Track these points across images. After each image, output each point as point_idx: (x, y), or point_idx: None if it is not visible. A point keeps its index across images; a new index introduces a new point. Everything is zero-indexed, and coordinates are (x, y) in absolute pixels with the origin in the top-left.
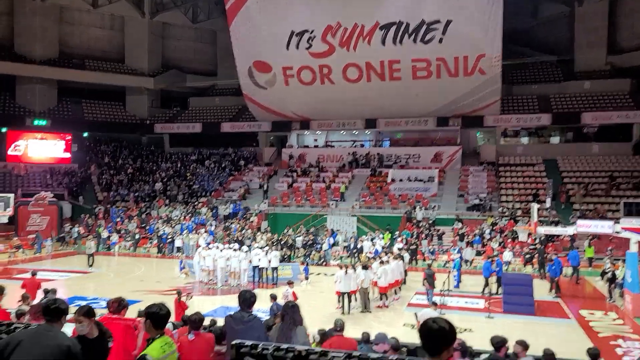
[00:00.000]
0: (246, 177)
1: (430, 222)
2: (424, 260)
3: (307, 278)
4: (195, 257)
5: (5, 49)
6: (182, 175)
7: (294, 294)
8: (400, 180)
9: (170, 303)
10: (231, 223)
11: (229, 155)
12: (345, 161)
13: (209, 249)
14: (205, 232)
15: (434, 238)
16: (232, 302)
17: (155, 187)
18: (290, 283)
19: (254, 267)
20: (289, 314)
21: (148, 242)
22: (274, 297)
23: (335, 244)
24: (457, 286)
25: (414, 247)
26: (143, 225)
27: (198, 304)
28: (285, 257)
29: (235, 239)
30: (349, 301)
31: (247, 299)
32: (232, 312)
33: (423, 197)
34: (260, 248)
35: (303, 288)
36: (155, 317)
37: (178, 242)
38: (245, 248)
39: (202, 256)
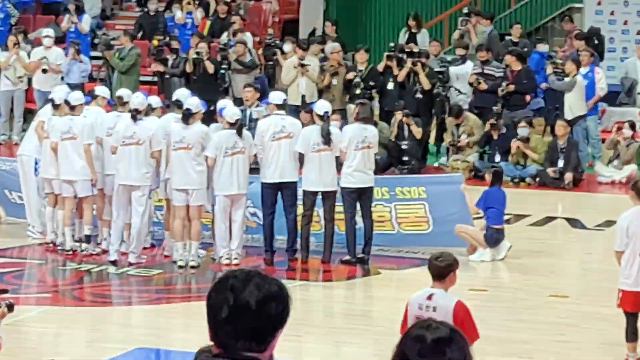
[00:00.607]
0: None
1: None
2: None
3: (497, 232)
4: (25, 144)
5: None
6: None
7: (459, 304)
8: None
9: None
10: (165, 6)
11: None
12: None
13: (74, 112)
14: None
15: None
16: (182, 327)
17: None
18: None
19: (269, 188)
20: None
21: None
22: None
23: None
24: None
25: None
26: None
27: (42, 334)
28: (407, 148)
29: (177, 63)
30: None
31: (247, 308)
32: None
33: None
34: (297, 108)
35: (485, 274)
36: None
37: None
38: (232, 110)
39: (48, 145)
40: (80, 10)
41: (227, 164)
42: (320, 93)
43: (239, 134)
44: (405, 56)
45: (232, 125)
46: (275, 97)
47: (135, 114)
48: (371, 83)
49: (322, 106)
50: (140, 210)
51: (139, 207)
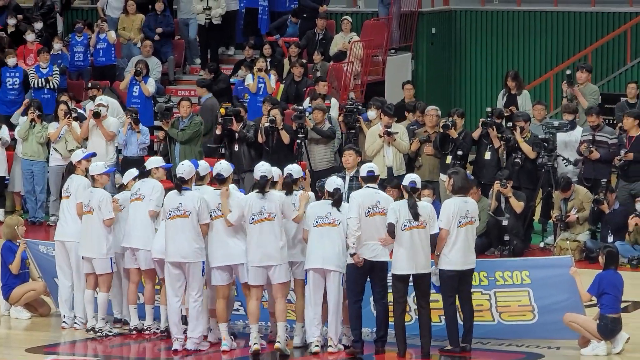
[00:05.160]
0: None
1: None
2: None
3: (613, 322)
4: (66, 229)
5: None
6: None
7: None
8: None
9: None
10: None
11: None
12: None
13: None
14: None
15: None
16: None
17: None
18: None
19: (358, 270)
20: None
21: None
22: None
23: None
24: None
25: None
26: None
27: None
28: (507, 225)
29: (246, 132)
30: None
31: None
32: None
33: None
34: (382, 182)
35: None
36: None
37: None
38: (333, 178)
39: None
40: (144, 75)
41: (316, 234)
42: (410, 166)
43: (337, 205)
44: (503, 121)
45: (330, 195)
46: (360, 169)
47: (180, 184)
48: (459, 152)
49: (407, 177)
50: (194, 290)
51: (192, 286)
